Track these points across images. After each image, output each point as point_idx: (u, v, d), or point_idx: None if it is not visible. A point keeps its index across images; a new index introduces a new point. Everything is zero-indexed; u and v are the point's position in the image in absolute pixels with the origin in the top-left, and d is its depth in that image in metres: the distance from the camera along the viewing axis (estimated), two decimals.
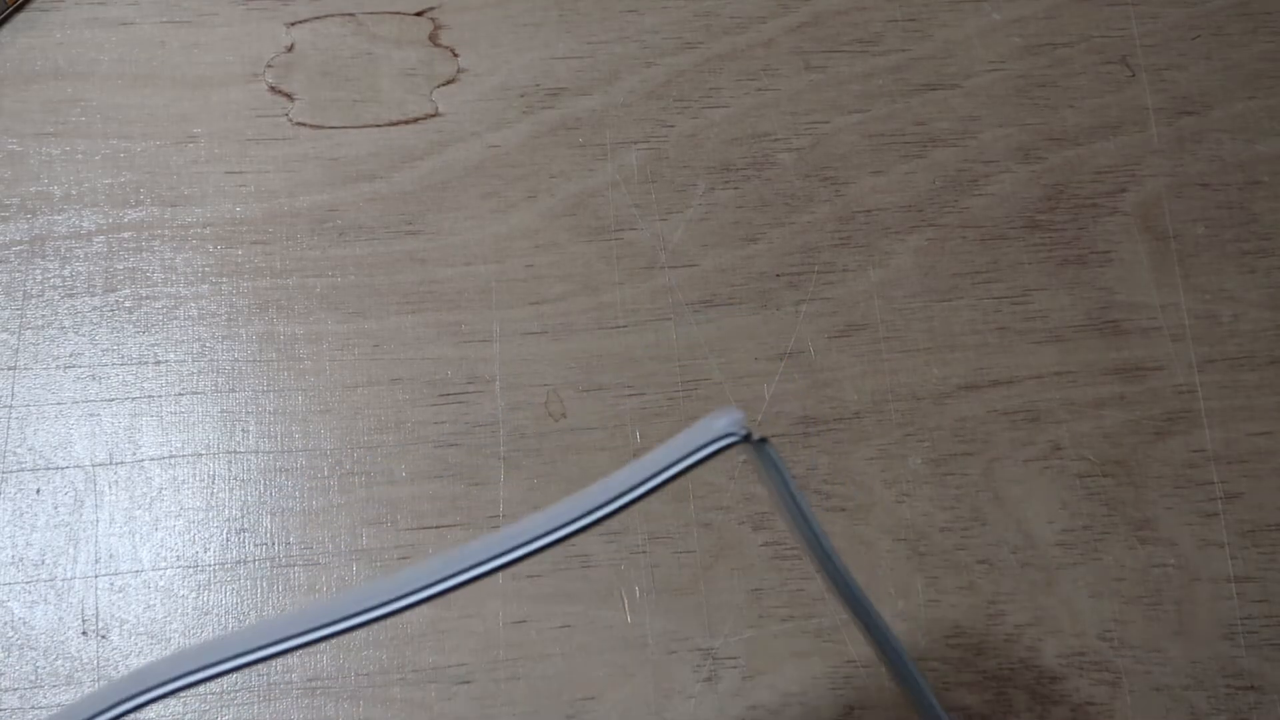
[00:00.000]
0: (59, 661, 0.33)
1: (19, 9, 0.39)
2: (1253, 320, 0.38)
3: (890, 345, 0.37)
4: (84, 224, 0.37)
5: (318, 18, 0.40)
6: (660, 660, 0.34)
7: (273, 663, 0.33)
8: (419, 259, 0.38)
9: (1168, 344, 0.38)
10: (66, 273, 0.37)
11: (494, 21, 0.40)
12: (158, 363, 0.36)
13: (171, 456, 0.35)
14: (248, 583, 0.34)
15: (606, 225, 0.38)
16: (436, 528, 0.35)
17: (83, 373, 0.36)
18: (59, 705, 0.33)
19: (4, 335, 0.36)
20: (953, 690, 0.34)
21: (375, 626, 0.34)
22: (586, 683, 0.34)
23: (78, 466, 0.35)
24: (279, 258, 0.37)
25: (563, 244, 0.38)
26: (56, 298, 0.37)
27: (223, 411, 0.36)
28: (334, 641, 0.34)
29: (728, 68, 0.40)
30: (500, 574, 0.35)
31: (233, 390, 0.36)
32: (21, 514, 0.35)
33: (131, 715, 0.20)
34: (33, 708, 0.33)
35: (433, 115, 0.39)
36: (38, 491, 0.35)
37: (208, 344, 0.37)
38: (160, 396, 0.36)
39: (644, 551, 0.35)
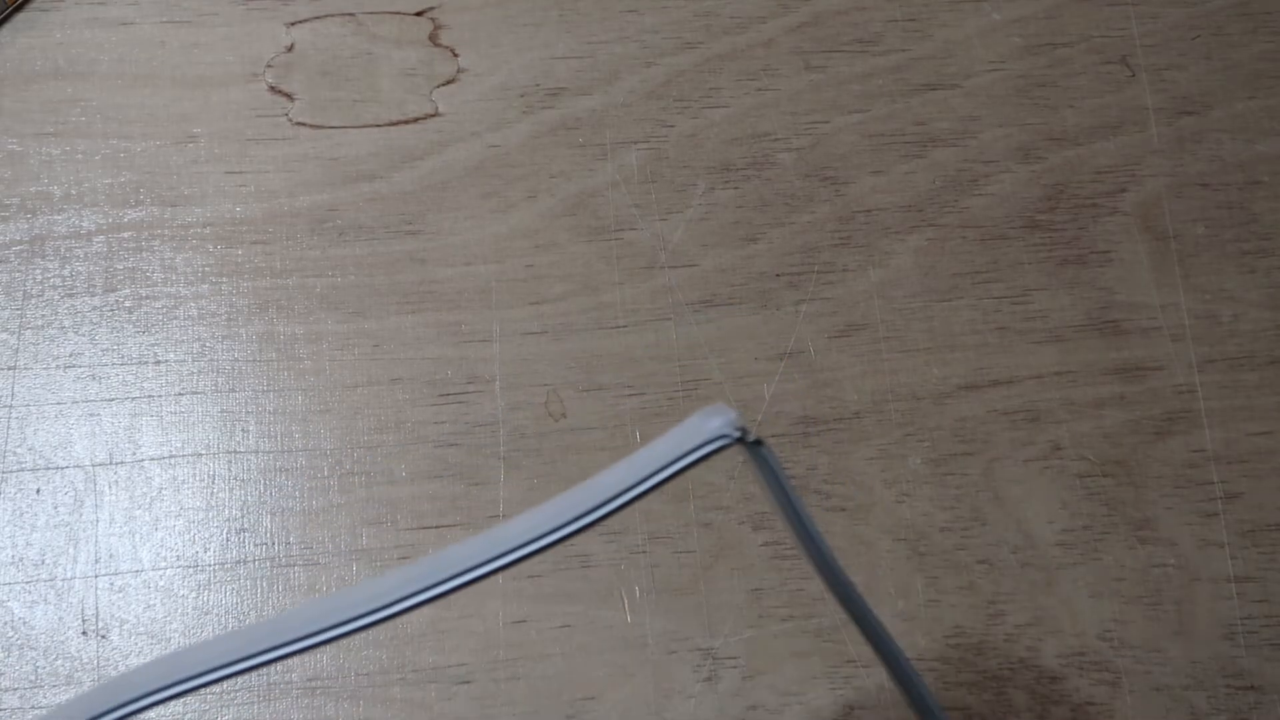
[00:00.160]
0: (59, 661, 0.33)
1: (19, 9, 0.39)
2: (1253, 320, 0.38)
3: (890, 345, 0.37)
4: (84, 224, 0.37)
5: (318, 18, 0.40)
6: (660, 660, 0.34)
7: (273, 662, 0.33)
8: (419, 259, 0.38)
9: (1168, 344, 0.38)
10: (66, 273, 0.37)
11: (494, 21, 0.40)
12: (158, 363, 0.36)
13: (171, 456, 0.35)
14: (248, 583, 0.34)
15: (606, 225, 0.38)
16: (436, 528, 0.35)
17: (83, 373, 0.36)
18: (59, 705, 0.33)
19: (4, 335, 0.36)
20: (953, 690, 0.34)
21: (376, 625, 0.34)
22: (586, 683, 0.34)
23: (78, 466, 0.35)
24: (279, 258, 0.37)
25: (563, 244, 0.38)
26: (56, 298, 0.37)
27: (223, 411, 0.36)
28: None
29: (728, 68, 0.40)
30: (500, 574, 0.35)
31: (233, 390, 0.36)
32: (21, 514, 0.35)
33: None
34: (33, 708, 0.33)
35: (433, 115, 0.39)
36: (38, 491, 0.35)
37: (208, 344, 0.37)
38: (160, 396, 0.36)
39: (644, 551, 0.35)
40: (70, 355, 0.36)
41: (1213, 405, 0.37)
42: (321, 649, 0.34)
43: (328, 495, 0.35)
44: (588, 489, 0.22)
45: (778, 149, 0.39)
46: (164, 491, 0.35)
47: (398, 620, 0.34)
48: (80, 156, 0.38)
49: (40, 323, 0.36)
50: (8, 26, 0.39)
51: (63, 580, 0.34)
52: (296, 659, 0.33)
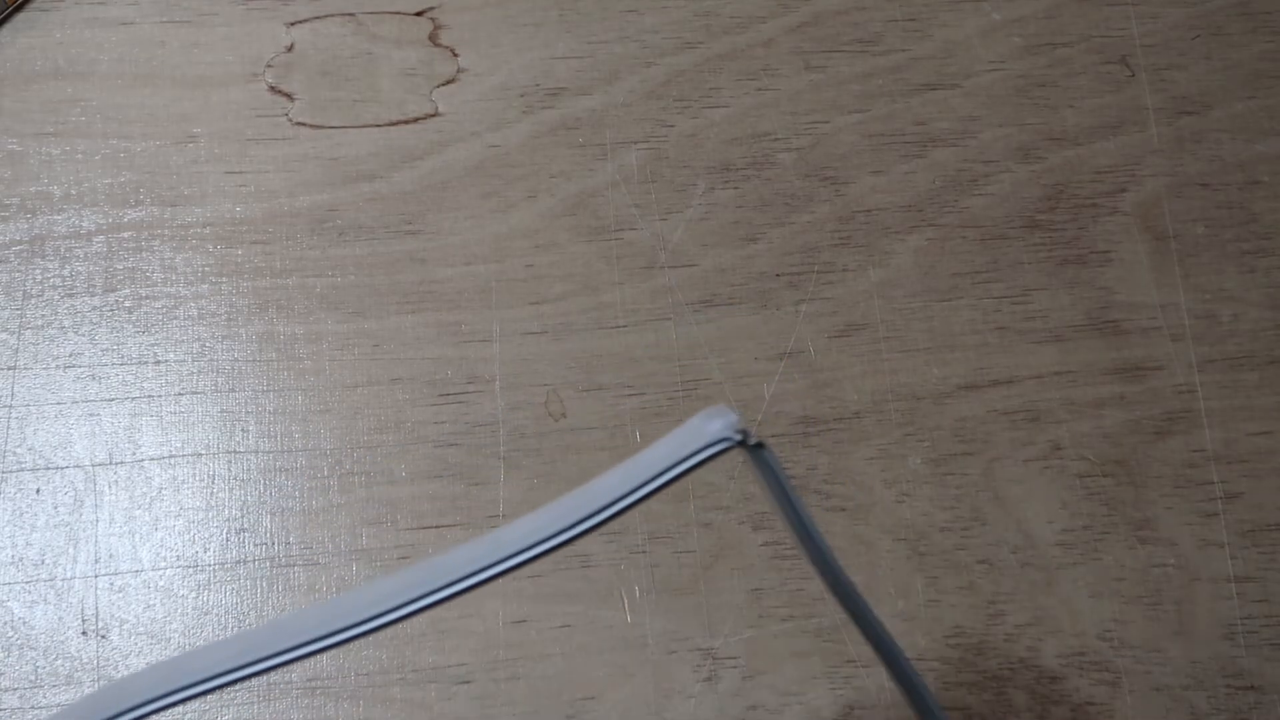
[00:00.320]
0: (59, 661, 0.33)
1: (19, 9, 0.39)
2: (1253, 320, 0.38)
3: (890, 345, 0.37)
4: (84, 224, 0.37)
5: (318, 18, 0.40)
6: (660, 660, 0.34)
7: None
8: (419, 259, 0.38)
9: (1168, 344, 0.38)
10: (66, 272, 0.37)
11: (494, 21, 0.40)
12: (158, 363, 0.36)
13: (171, 456, 0.35)
14: (248, 583, 0.34)
15: (606, 225, 0.38)
16: (436, 528, 0.35)
17: (83, 373, 0.36)
18: (59, 705, 0.33)
19: (4, 335, 0.36)
20: (953, 690, 0.34)
21: None
22: (586, 683, 0.34)
23: (78, 466, 0.35)
24: (279, 258, 0.37)
25: (563, 244, 0.38)
26: (56, 298, 0.37)
27: (223, 411, 0.36)
28: None
29: (728, 68, 0.40)
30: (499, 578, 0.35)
31: (233, 390, 0.36)
32: (21, 514, 0.35)
33: None
34: (33, 708, 0.33)
35: (433, 115, 0.39)
36: (38, 491, 0.35)
37: (208, 344, 0.37)
38: (160, 396, 0.36)
39: (644, 551, 0.35)
40: (70, 355, 0.36)
41: (1213, 405, 0.37)
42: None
43: (328, 495, 0.35)
44: (588, 492, 0.22)
45: (778, 149, 0.39)
46: (164, 491, 0.35)
47: None
48: (80, 156, 0.38)
49: (40, 323, 0.36)
50: (8, 26, 0.39)
51: (63, 580, 0.34)
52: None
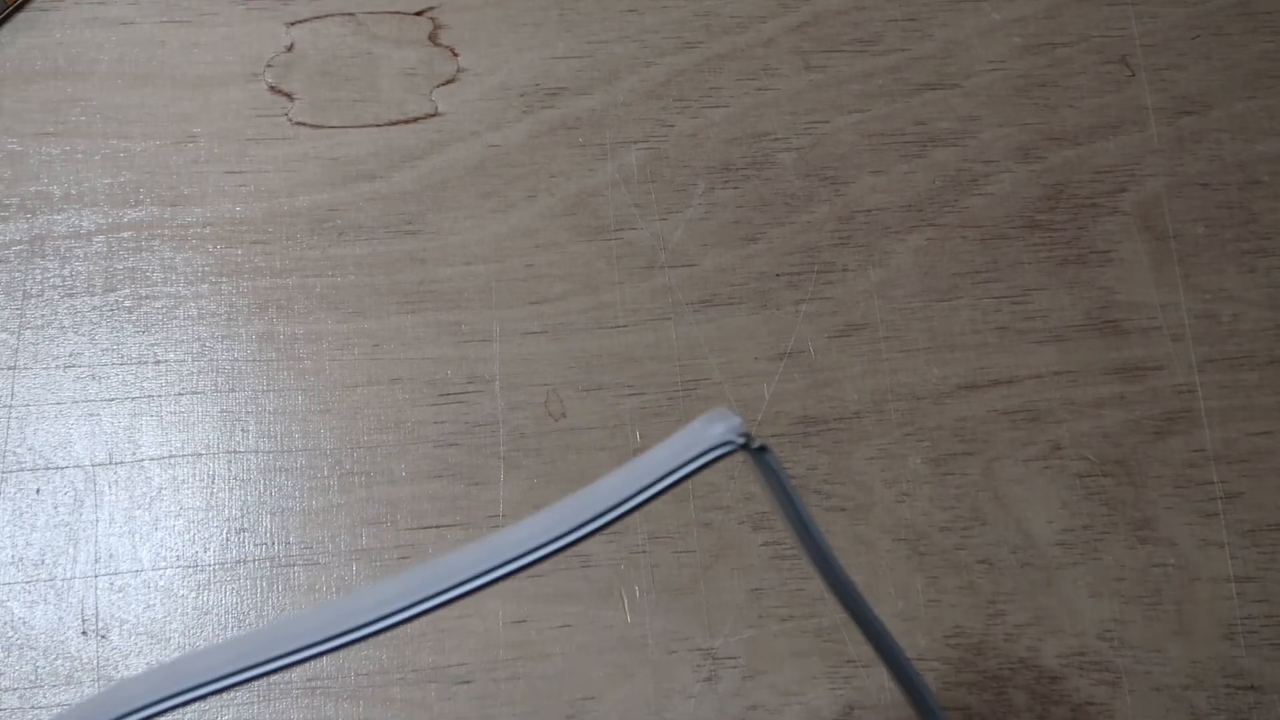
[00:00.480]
0: (59, 661, 0.33)
1: (19, 9, 0.39)
2: (1253, 320, 0.38)
3: (890, 345, 0.37)
4: (84, 224, 0.37)
5: (318, 17, 0.40)
6: (660, 660, 0.34)
7: None
8: (419, 259, 0.38)
9: (1168, 344, 0.38)
10: (66, 272, 0.37)
11: (494, 21, 0.40)
12: (157, 362, 0.36)
13: (171, 456, 0.35)
14: (248, 582, 0.34)
15: (606, 225, 0.38)
16: (436, 527, 0.35)
17: (82, 373, 0.36)
18: (59, 705, 0.33)
19: (4, 335, 0.36)
20: (953, 690, 0.34)
21: None
22: (586, 683, 0.34)
23: (78, 466, 0.35)
24: (279, 257, 0.37)
25: (563, 244, 0.38)
26: (56, 297, 0.37)
27: (223, 411, 0.36)
28: None
29: (728, 68, 0.40)
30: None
31: (233, 390, 0.36)
32: (21, 514, 0.35)
33: None
34: (33, 707, 0.33)
35: (433, 115, 0.39)
36: (38, 491, 0.35)
37: (207, 344, 0.37)
38: (160, 396, 0.36)
39: (644, 551, 0.35)
40: (70, 355, 0.36)
41: (1213, 405, 0.37)
42: None
43: (328, 495, 0.35)
44: (590, 495, 0.22)
45: (778, 149, 0.39)
46: (164, 491, 0.35)
47: None
48: (80, 156, 0.38)
49: (40, 323, 0.36)
50: (8, 26, 0.39)
51: (63, 580, 0.34)
52: None
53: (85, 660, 0.33)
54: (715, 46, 0.40)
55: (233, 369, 0.36)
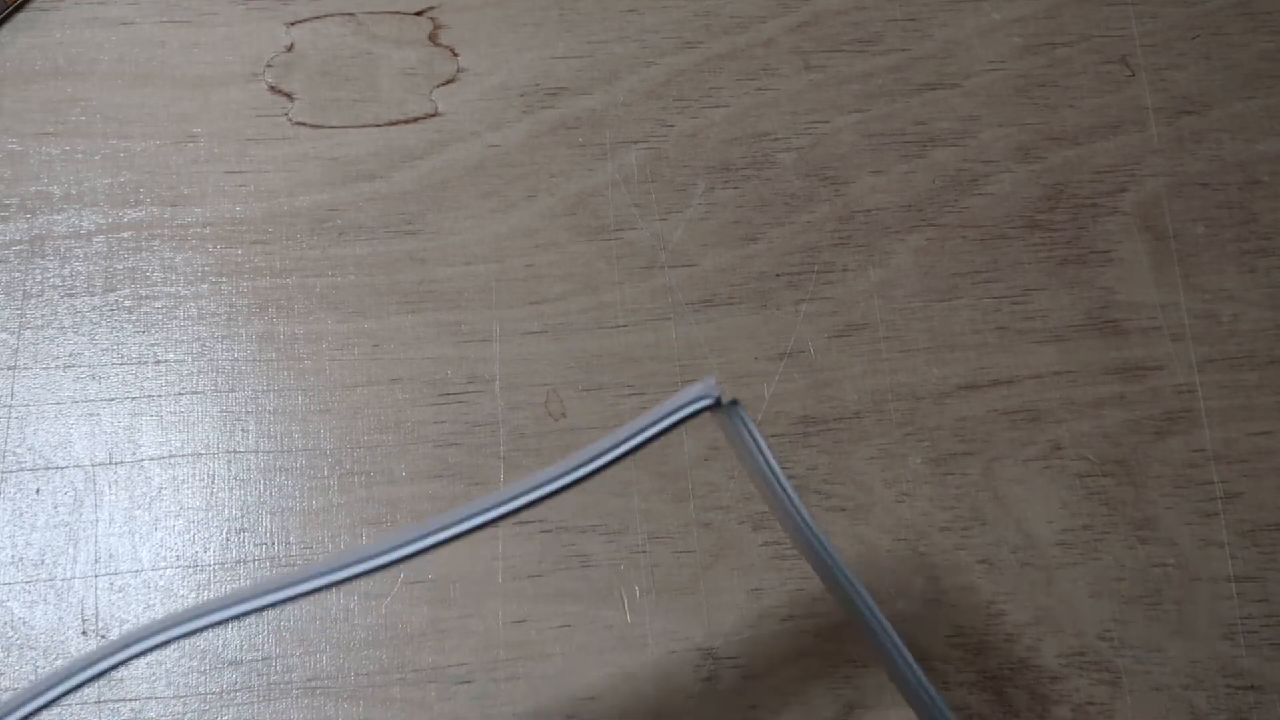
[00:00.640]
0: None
1: (19, 9, 0.39)
2: (1253, 320, 0.38)
3: (890, 345, 0.37)
4: (84, 224, 0.37)
5: (318, 17, 0.40)
6: (660, 660, 0.34)
7: (273, 662, 0.33)
8: (419, 259, 0.38)
9: (1168, 344, 0.38)
10: (66, 272, 0.37)
11: (494, 21, 0.40)
12: (157, 362, 0.36)
13: (171, 456, 0.35)
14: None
15: (606, 225, 0.38)
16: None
17: (82, 372, 0.36)
18: (58, 705, 0.33)
19: (4, 335, 0.36)
20: (953, 690, 0.34)
21: (375, 626, 0.34)
22: (586, 683, 0.34)
23: (77, 466, 0.35)
24: (279, 257, 0.37)
25: (563, 244, 0.38)
26: (56, 297, 0.37)
27: (222, 411, 0.36)
28: (334, 641, 0.34)
29: (728, 67, 0.40)
30: (500, 574, 0.35)
31: (233, 390, 0.36)
32: (21, 514, 0.35)
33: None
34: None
35: (432, 115, 0.39)
36: (37, 491, 0.35)
37: (207, 344, 0.37)
38: (160, 396, 0.36)
39: (644, 551, 0.35)
40: (70, 355, 0.36)
41: (1213, 405, 0.37)
42: (322, 649, 0.34)
43: (328, 495, 0.35)
44: (581, 453, 0.24)
45: (778, 149, 0.39)
46: (164, 491, 0.35)
47: (397, 620, 0.34)
48: (80, 156, 0.38)
49: (40, 323, 0.36)
50: (8, 26, 0.39)
51: (63, 580, 0.34)
52: (297, 659, 0.33)
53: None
54: (715, 46, 0.40)
55: (233, 369, 0.36)
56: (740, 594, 0.35)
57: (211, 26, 0.40)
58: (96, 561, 0.34)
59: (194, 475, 0.35)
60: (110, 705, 0.33)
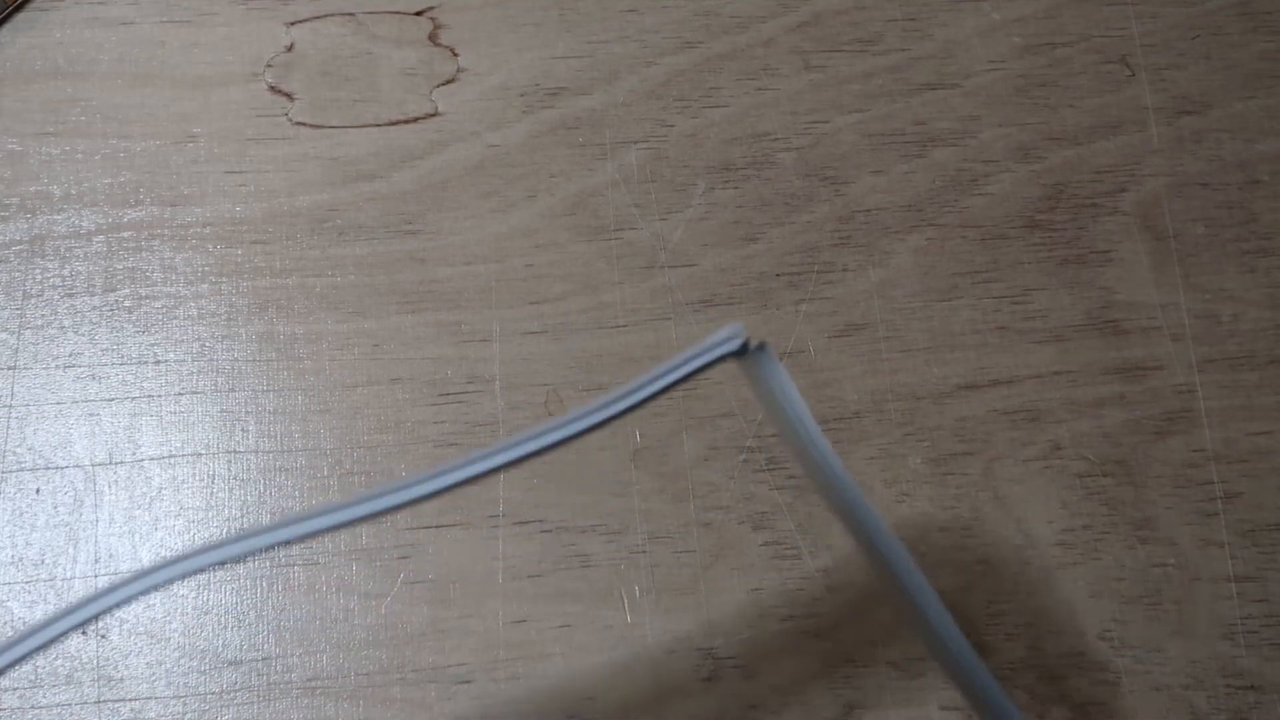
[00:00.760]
0: (59, 661, 0.33)
1: (19, 9, 0.39)
2: (1253, 320, 0.38)
3: (890, 345, 0.37)
4: (84, 224, 0.37)
5: (318, 17, 0.40)
6: (660, 660, 0.34)
7: (273, 662, 0.33)
8: (419, 259, 0.38)
9: (1168, 344, 0.38)
10: (66, 272, 0.37)
11: (494, 21, 0.40)
12: (157, 362, 0.36)
13: (171, 456, 0.35)
14: (248, 582, 0.34)
15: (606, 225, 0.38)
16: (436, 527, 0.35)
17: (82, 372, 0.36)
18: (59, 705, 0.33)
19: (4, 335, 0.36)
20: (953, 690, 0.34)
21: (375, 626, 0.34)
22: (586, 683, 0.34)
23: (77, 466, 0.35)
24: (279, 257, 0.37)
25: (563, 244, 0.38)
26: (56, 297, 0.37)
27: (222, 411, 0.36)
28: (334, 641, 0.34)
29: (728, 67, 0.40)
30: (500, 574, 0.35)
31: (232, 390, 0.36)
32: (21, 514, 0.35)
33: None
34: (33, 707, 0.33)
35: (432, 115, 0.39)
36: (37, 491, 0.35)
37: (207, 344, 0.37)
38: (160, 396, 0.36)
39: (644, 551, 0.35)
40: (70, 355, 0.36)
41: (1213, 405, 0.37)
42: (322, 649, 0.34)
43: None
44: (607, 396, 0.25)
45: (778, 149, 0.39)
46: (164, 491, 0.35)
47: (398, 620, 0.34)
48: (80, 156, 0.38)
49: (40, 323, 0.36)
50: (8, 26, 0.39)
51: (63, 580, 0.34)
52: (297, 659, 0.33)
53: (85, 660, 0.33)
54: (715, 46, 0.40)
55: (233, 369, 0.36)
56: (740, 594, 0.35)
57: (211, 26, 0.40)
58: (96, 561, 0.34)
59: (194, 475, 0.35)
60: (110, 705, 0.33)
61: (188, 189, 0.38)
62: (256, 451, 0.36)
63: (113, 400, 0.36)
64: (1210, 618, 0.35)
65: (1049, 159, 0.40)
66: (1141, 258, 0.39)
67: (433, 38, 0.40)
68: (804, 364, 0.37)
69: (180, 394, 0.36)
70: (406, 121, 0.39)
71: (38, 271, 0.37)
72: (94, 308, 0.37)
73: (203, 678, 0.33)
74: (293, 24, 0.40)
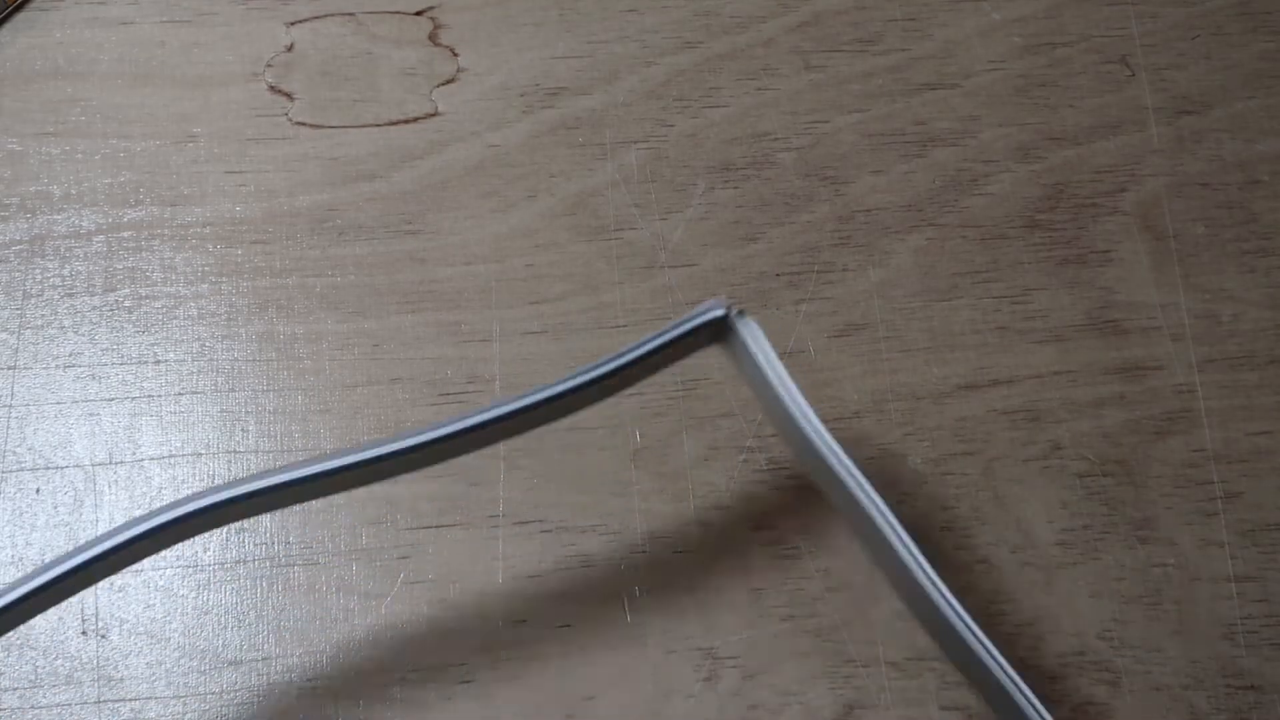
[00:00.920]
0: (59, 661, 0.33)
1: (19, 9, 0.39)
2: (1253, 320, 0.38)
3: (890, 345, 0.37)
4: (84, 224, 0.37)
5: (317, 17, 0.40)
6: (660, 660, 0.34)
7: (273, 662, 0.33)
8: (419, 259, 0.38)
9: (1168, 344, 0.38)
10: (66, 272, 0.37)
11: (494, 21, 0.40)
12: (157, 362, 0.36)
13: (171, 456, 0.35)
14: (247, 582, 0.34)
15: (606, 225, 0.38)
16: (436, 527, 0.35)
17: (82, 372, 0.36)
18: (59, 705, 0.33)
19: (4, 335, 0.36)
20: (952, 690, 0.34)
21: (375, 626, 0.34)
22: (586, 683, 0.34)
23: (77, 466, 0.35)
24: (279, 257, 0.37)
25: (563, 244, 0.38)
26: (56, 297, 0.37)
27: (222, 411, 0.36)
28: (334, 641, 0.34)
29: (728, 67, 0.40)
30: (500, 574, 0.35)
31: (232, 390, 0.36)
32: (21, 514, 0.35)
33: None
34: (33, 707, 0.33)
35: (432, 115, 0.39)
36: (38, 491, 0.35)
37: (207, 344, 0.37)
38: (160, 396, 0.36)
39: (644, 551, 0.35)
40: (70, 355, 0.36)
41: (1213, 405, 0.37)
42: (322, 649, 0.34)
43: (328, 495, 0.35)
44: (589, 365, 0.27)
45: (778, 149, 0.39)
46: (164, 491, 0.35)
47: (398, 620, 0.34)
48: (80, 156, 0.38)
49: (40, 323, 0.36)
50: (8, 26, 0.39)
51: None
52: (297, 659, 0.33)
53: (85, 660, 0.33)
54: (715, 46, 0.40)
55: (233, 369, 0.36)
56: (740, 594, 0.35)
57: (211, 26, 0.40)
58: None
59: (194, 475, 0.35)
60: (110, 705, 0.33)
61: (188, 189, 0.38)
62: (256, 451, 0.36)
63: (113, 400, 0.36)
64: (1210, 618, 0.35)
65: (1049, 159, 0.40)
66: (1141, 258, 0.39)
67: (433, 38, 0.40)
68: (804, 364, 0.37)
69: (180, 394, 0.36)
70: (406, 121, 0.39)
71: (38, 271, 0.37)
72: (94, 308, 0.37)
73: (203, 678, 0.33)
74: (293, 24, 0.40)
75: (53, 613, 0.34)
